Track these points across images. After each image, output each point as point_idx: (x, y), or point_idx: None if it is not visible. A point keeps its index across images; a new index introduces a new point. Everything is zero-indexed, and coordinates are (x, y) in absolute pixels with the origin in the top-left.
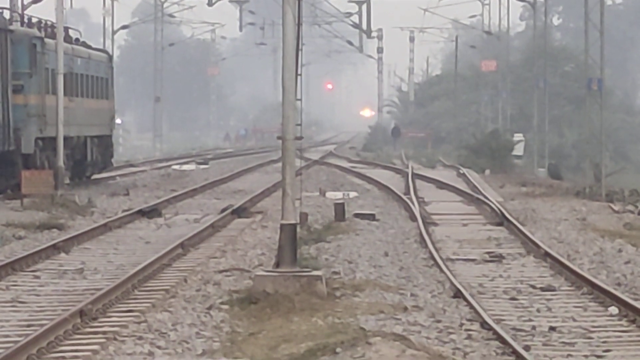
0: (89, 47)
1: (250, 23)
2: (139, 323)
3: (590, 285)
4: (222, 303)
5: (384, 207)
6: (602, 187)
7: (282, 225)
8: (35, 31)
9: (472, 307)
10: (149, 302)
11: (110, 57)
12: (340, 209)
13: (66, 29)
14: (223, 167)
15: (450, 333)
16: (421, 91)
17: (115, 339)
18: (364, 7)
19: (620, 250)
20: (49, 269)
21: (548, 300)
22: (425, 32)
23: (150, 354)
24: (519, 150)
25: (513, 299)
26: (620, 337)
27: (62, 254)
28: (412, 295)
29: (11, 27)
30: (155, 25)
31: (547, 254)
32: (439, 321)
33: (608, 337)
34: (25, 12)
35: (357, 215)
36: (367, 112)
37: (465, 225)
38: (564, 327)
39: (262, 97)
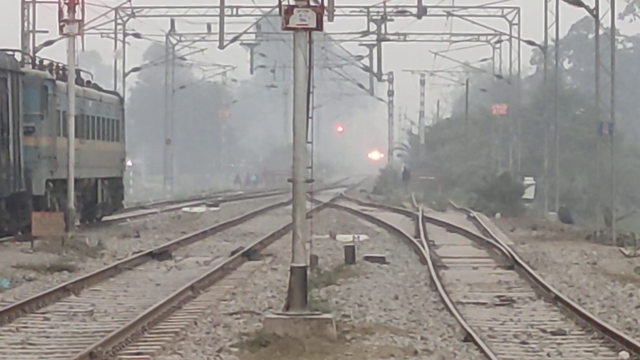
0: (100, 89)
1: (261, 66)
2: None
3: (601, 329)
4: (232, 346)
5: (394, 250)
6: (613, 231)
7: (292, 268)
8: (46, 73)
9: (482, 351)
10: (159, 345)
11: (122, 99)
12: (350, 252)
13: (77, 71)
14: (233, 209)
15: None
16: (432, 134)
17: None
18: (375, 50)
19: (631, 295)
20: (59, 311)
21: (559, 344)
22: (436, 75)
23: None
24: (529, 193)
25: (523, 343)
26: None
27: (73, 296)
28: (422, 338)
29: (23, 69)
30: (166, 68)
31: (557, 298)
32: None
33: None
34: (36, 54)
35: (367, 258)
36: (376, 155)
37: (475, 268)
38: None
39: (272, 140)
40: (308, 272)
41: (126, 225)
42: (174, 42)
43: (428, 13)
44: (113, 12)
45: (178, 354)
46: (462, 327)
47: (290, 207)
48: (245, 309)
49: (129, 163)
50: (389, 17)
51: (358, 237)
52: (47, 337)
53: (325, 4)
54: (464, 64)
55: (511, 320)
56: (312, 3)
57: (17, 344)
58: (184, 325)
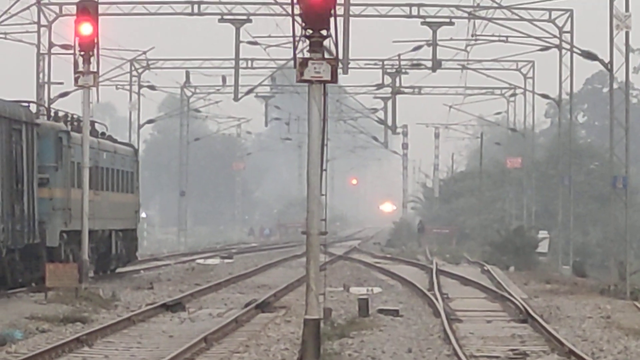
0: (115, 140)
1: (275, 118)
2: None
3: None
4: None
5: (407, 303)
6: (627, 285)
7: (305, 320)
8: (61, 125)
9: None
10: None
11: (136, 151)
12: (364, 305)
13: (92, 122)
14: (247, 261)
15: None
16: (446, 187)
17: None
18: (390, 102)
19: None
20: None
21: None
22: (450, 128)
23: None
24: (543, 247)
25: None
26: None
27: (86, 348)
28: None
29: (38, 121)
30: (181, 120)
31: (571, 352)
32: None
33: None
34: (52, 105)
35: (380, 310)
36: (388, 207)
37: (489, 322)
38: None
39: (287, 192)
40: (321, 325)
41: (140, 276)
42: (189, 94)
43: (443, 66)
44: (128, 64)
45: None
46: None
47: (304, 259)
48: None
49: (143, 215)
50: (403, 70)
51: (372, 289)
52: None
53: (340, 56)
54: (479, 117)
55: None
56: (326, 56)
57: None
58: None
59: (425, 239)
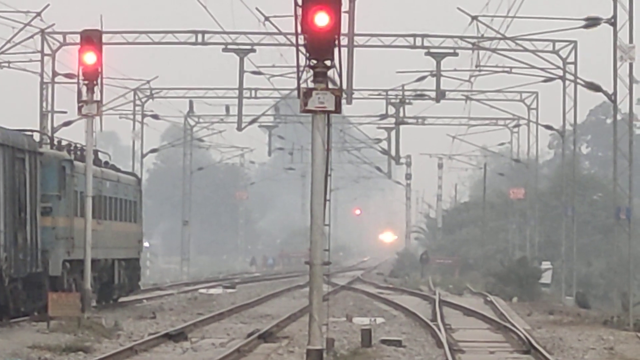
0: (118, 170)
1: (279, 148)
2: None
3: None
4: None
5: (410, 333)
6: (630, 316)
7: (308, 351)
8: (64, 154)
9: None
10: None
11: (139, 180)
12: (366, 335)
13: (95, 151)
14: (250, 291)
15: None
16: (449, 218)
17: None
18: (393, 133)
19: None
20: None
21: None
22: (453, 158)
23: None
24: (546, 278)
25: None
26: None
27: None
28: None
29: (41, 150)
30: (184, 149)
31: None
32: None
33: None
34: (55, 134)
35: (383, 341)
36: (389, 237)
37: (492, 352)
38: None
39: (290, 222)
40: (324, 355)
41: (142, 306)
42: (192, 123)
43: (446, 97)
44: (132, 93)
45: None
46: None
47: (306, 289)
48: None
49: (146, 244)
50: (407, 101)
51: (375, 320)
52: None
53: (344, 86)
54: (482, 147)
55: None
56: (330, 86)
57: None
58: None
59: (427, 269)
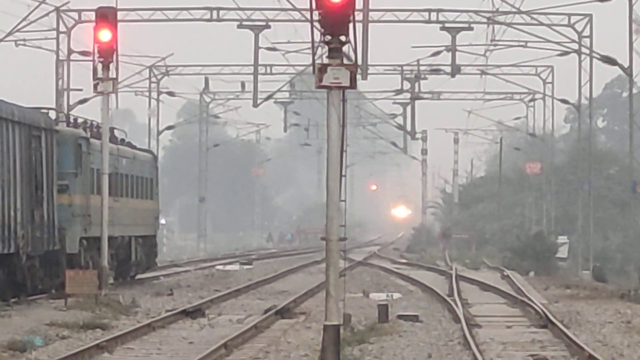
0: (134, 147)
1: (294, 124)
2: None
3: None
4: None
5: (427, 308)
6: None
7: (325, 327)
8: (80, 131)
9: None
10: None
11: (155, 158)
12: (383, 310)
13: (111, 129)
14: (267, 267)
15: None
16: (465, 192)
17: None
18: (409, 108)
19: None
20: None
21: None
22: (469, 133)
23: None
24: (563, 252)
25: None
26: None
27: (106, 354)
28: None
29: (57, 127)
30: (200, 126)
31: (591, 357)
32: None
33: None
34: (71, 112)
35: (400, 316)
36: (402, 211)
37: (509, 327)
38: None
39: (306, 198)
40: (341, 331)
41: (159, 283)
42: (208, 100)
43: (462, 72)
44: (147, 70)
45: None
46: None
47: (323, 265)
48: None
49: (162, 221)
50: (422, 76)
51: (391, 295)
52: None
53: (359, 62)
54: (498, 122)
55: None
56: (345, 62)
57: None
58: None
59: (447, 244)
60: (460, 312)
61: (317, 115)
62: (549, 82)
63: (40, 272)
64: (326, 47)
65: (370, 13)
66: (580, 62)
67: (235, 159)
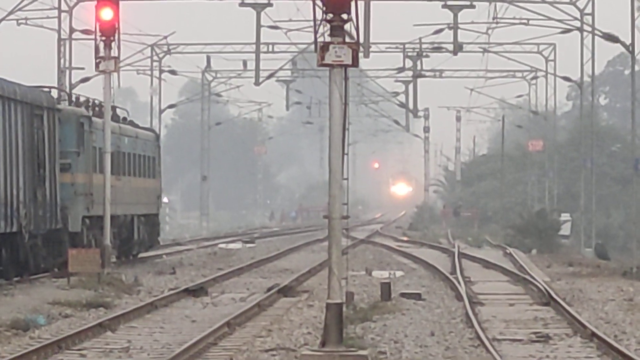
0: (136, 125)
1: (297, 102)
2: None
3: None
4: None
5: (430, 286)
6: None
7: (328, 305)
8: (83, 110)
9: None
10: None
11: (157, 136)
12: (386, 289)
13: (114, 107)
14: (269, 245)
15: None
16: (468, 170)
17: None
18: (411, 86)
19: None
20: (95, 348)
21: None
22: (471, 111)
23: None
24: (565, 230)
25: None
26: None
27: (109, 333)
28: None
29: (59, 106)
30: (202, 105)
31: (594, 335)
32: None
33: None
34: (73, 91)
35: (403, 294)
36: (402, 188)
37: (511, 305)
38: None
39: (308, 176)
40: (344, 309)
41: (162, 261)
42: (210, 78)
43: (464, 49)
44: (149, 49)
45: None
46: None
47: (325, 243)
48: (281, 346)
49: (165, 200)
50: (424, 54)
51: (394, 273)
52: None
53: (361, 40)
54: (500, 100)
55: (547, 357)
56: (347, 40)
57: None
58: None
59: (447, 222)
60: (462, 290)
61: (319, 93)
62: (551, 60)
63: (43, 251)
64: (328, 25)
65: None
66: (582, 39)
67: (238, 137)
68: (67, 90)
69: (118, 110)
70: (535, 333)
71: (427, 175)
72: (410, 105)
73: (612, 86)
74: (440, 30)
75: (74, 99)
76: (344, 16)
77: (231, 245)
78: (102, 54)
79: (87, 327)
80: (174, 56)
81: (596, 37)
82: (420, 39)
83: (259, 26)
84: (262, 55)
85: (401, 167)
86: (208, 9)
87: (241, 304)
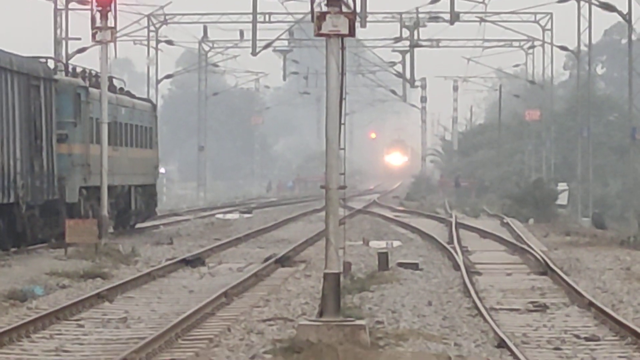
0: (133, 96)
1: (293, 72)
2: None
3: (634, 335)
4: (265, 352)
5: (427, 256)
6: None
7: (325, 275)
8: (79, 81)
9: (516, 357)
10: (192, 351)
11: (154, 107)
12: (383, 258)
13: (110, 78)
14: (266, 216)
15: None
16: (465, 140)
17: None
18: (408, 56)
19: None
20: (92, 318)
21: (592, 350)
22: (468, 81)
23: None
24: (562, 199)
25: (557, 348)
26: None
27: (106, 303)
28: (456, 344)
29: (56, 77)
30: (199, 75)
31: (591, 304)
32: None
33: None
34: (69, 61)
35: (400, 264)
36: (397, 158)
37: (509, 274)
38: None
39: (305, 146)
40: (341, 279)
41: (159, 232)
42: (207, 48)
43: (461, 19)
44: (146, 19)
45: None
46: (496, 333)
47: (323, 213)
48: (278, 316)
49: (162, 170)
50: (421, 23)
51: (391, 243)
52: (81, 344)
53: (358, 10)
54: (497, 69)
55: (545, 326)
56: (344, 9)
57: (51, 351)
58: (217, 331)
59: (444, 192)
60: (460, 259)
61: (316, 63)
62: (548, 29)
63: (40, 222)
64: None
65: None
66: (579, 8)
67: (235, 107)
68: (64, 60)
69: (115, 81)
70: (532, 302)
71: (424, 145)
72: (407, 75)
73: (609, 55)
74: (437, 0)
75: (70, 69)
76: None
77: (228, 216)
78: (98, 24)
79: (85, 297)
80: (170, 26)
81: (593, 6)
82: (417, 8)
83: None
84: (259, 25)
85: (396, 135)
86: None
87: (239, 274)
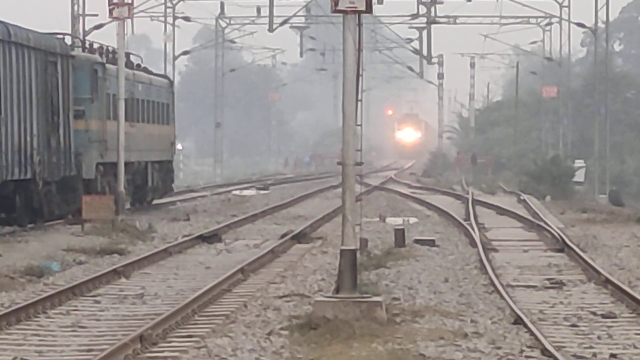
0: (150, 72)
1: (310, 49)
2: (198, 348)
3: None
4: (282, 329)
5: (444, 233)
6: None
7: (342, 251)
8: (96, 57)
9: (532, 333)
10: (208, 328)
11: (171, 83)
12: (400, 235)
13: (127, 54)
14: (283, 192)
15: None
16: (482, 117)
17: None
18: (425, 33)
19: None
20: (109, 294)
21: (609, 327)
22: (486, 58)
23: None
24: (579, 176)
25: (574, 325)
26: None
27: (123, 279)
28: (472, 321)
29: (73, 53)
30: (216, 51)
31: (608, 281)
32: (499, 348)
33: None
34: (86, 37)
35: (417, 241)
36: (410, 134)
37: (525, 251)
38: (625, 355)
39: (322, 123)
40: (358, 255)
41: (176, 208)
42: (224, 25)
43: None
44: None
45: (228, 336)
46: (512, 309)
47: (339, 190)
48: (295, 292)
49: (178, 146)
50: (438, 0)
51: (408, 220)
52: (98, 320)
53: None
54: (514, 46)
55: (561, 303)
56: None
57: (68, 327)
58: (234, 308)
59: (461, 169)
60: (476, 236)
61: (333, 40)
62: (566, 6)
63: (57, 198)
64: None
65: None
66: None
67: (251, 84)
68: (81, 37)
69: (132, 57)
70: (549, 279)
71: (441, 122)
72: (424, 52)
73: (626, 32)
74: None
75: (87, 45)
76: None
77: (245, 192)
78: (115, 0)
79: (101, 273)
80: (187, 2)
81: None
82: None
83: None
84: (275, 2)
85: (408, 108)
86: None
87: (255, 251)
